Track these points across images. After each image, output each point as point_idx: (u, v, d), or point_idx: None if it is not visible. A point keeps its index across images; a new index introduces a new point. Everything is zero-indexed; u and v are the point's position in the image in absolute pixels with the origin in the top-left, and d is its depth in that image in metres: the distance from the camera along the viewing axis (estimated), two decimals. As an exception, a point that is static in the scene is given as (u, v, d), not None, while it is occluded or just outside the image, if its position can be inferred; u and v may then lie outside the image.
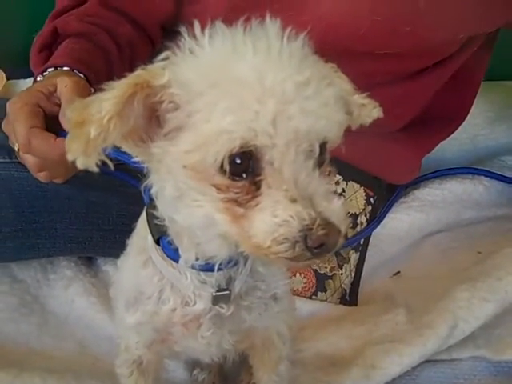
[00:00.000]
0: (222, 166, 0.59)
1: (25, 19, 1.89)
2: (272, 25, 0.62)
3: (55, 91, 1.06)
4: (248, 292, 0.79)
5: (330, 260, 1.32)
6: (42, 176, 1.10)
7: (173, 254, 0.74)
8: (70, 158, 0.61)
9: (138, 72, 0.61)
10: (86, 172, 1.16)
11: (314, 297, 1.31)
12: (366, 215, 1.39)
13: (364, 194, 1.39)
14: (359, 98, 0.70)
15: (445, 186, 1.53)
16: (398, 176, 1.48)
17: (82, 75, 1.12)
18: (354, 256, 1.36)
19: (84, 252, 1.32)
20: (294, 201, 0.59)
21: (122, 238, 1.07)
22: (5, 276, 1.30)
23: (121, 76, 0.63)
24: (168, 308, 0.78)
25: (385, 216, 1.44)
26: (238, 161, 0.59)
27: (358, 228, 1.38)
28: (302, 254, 0.59)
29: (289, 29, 0.62)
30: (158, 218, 0.72)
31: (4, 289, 1.28)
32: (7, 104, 1.05)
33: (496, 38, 1.42)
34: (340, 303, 1.33)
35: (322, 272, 1.31)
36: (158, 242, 0.75)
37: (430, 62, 1.28)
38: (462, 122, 1.51)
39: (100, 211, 1.26)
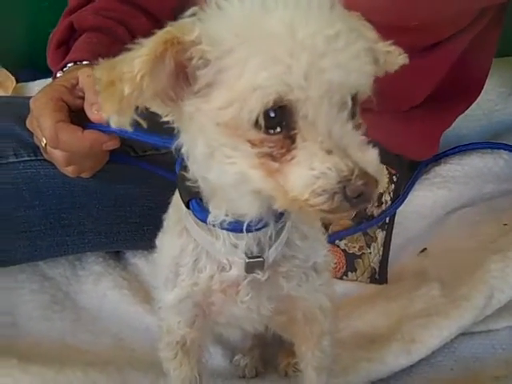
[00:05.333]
0: (256, 121, 0.59)
1: (31, 23, 1.90)
2: None
3: (77, 84, 1.06)
4: (285, 259, 0.79)
5: (358, 239, 1.33)
6: (69, 170, 1.10)
7: (202, 215, 0.74)
8: (104, 116, 0.61)
9: (168, 28, 0.61)
10: (112, 165, 1.17)
11: (344, 277, 1.32)
12: (389, 193, 1.40)
13: (386, 172, 1.39)
14: (384, 46, 0.70)
15: (465, 162, 1.53)
16: (418, 152, 1.48)
17: None
18: (380, 235, 1.37)
19: (113, 246, 1.33)
20: (330, 152, 0.59)
21: (151, 230, 1.07)
22: (35, 274, 1.31)
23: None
24: (206, 276, 0.78)
25: (408, 194, 1.45)
26: (272, 114, 0.59)
27: (383, 206, 1.38)
28: (341, 204, 0.59)
29: None
30: (189, 179, 0.72)
31: (35, 287, 1.28)
32: (31, 101, 1.05)
33: (505, 12, 1.42)
34: (370, 282, 1.33)
35: (351, 252, 1.32)
36: (187, 205, 0.75)
37: (445, 34, 1.28)
38: (477, 97, 1.51)
39: (127, 204, 1.27)
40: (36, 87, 1.77)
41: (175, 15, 1.32)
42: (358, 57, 0.60)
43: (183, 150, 0.69)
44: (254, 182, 0.62)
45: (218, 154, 0.63)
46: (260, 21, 0.59)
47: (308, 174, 0.59)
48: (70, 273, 1.33)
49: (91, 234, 1.25)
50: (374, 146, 0.62)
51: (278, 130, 0.60)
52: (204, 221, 0.74)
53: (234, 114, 0.59)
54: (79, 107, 1.04)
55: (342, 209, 0.60)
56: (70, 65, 1.14)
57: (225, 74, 0.60)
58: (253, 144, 0.60)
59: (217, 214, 0.72)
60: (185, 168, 0.72)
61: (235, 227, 0.73)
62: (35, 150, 1.16)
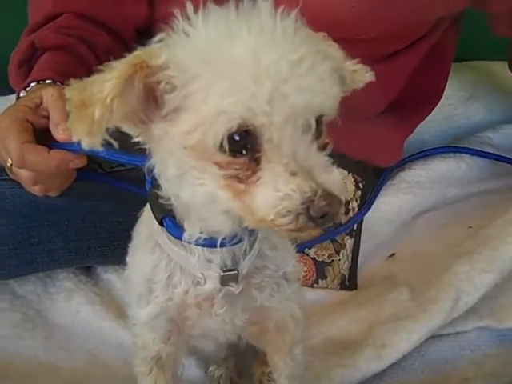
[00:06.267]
0: (221, 144, 0.60)
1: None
2: (264, 3, 0.63)
3: (41, 103, 1.06)
4: (257, 271, 0.80)
5: (327, 247, 1.35)
6: (36, 189, 1.10)
7: (176, 232, 0.75)
8: (75, 139, 0.62)
9: (137, 52, 0.63)
10: (79, 182, 1.17)
11: (315, 285, 1.33)
12: (356, 200, 1.42)
13: (352, 179, 1.42)
14: (351, 64, 0.72)
15: (429, 166, 1.56)
16: (382, 159, 1.50)
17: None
18: (349, 241, 1.39)
19: (83, 262, 1.32)
20: (294, 174, 0.61)
21: (121, 245, 1.07)
22: (5, 293, 1.29)
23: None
24: (180, 291, 0.79)
25: (374, 200, 1.47)
26: (237, 138, 0.61)
27: (351, 213, 1.40)
28: (305, 224, 0.61)
29: (281, 6, 0.63)
30: (162, 197, 0.73)
31: (5, 306, 1.27)
32: None
33: (461, 19, 1.45)
34: (341, 289, 1.35)
35: (320, 260, 1.34)
36: (161, 222, 0.76)
37: (403, 44, 1.31)
38: (438, 102, 1.54)
39: (96, 220, 1.26)
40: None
41: (139, 34, 1.34)
42: (322, 80, 0.62)
43: (155, 170, 0.71)
44: (223, 203, 0.64)
45: (188, 176, 0.65)
46: (225, 47, 0.60)
47: (273, 195, 0.61)
48: (41, 290, 1.31)
49: (61, 251, 1.24)
50: (338, 166, 0.63)
51: (244, 152, 0.62)
52: (179, 238, 0.75)
53: (200, 138, 0.61)
54: (44, 127, 1.04)
55: (307, 228, 0.62)
56: (32, 84, 1.13)
57: (191, 99, 0.61)
58: (220, 166, 0.62)
59: (192, 231, 0.73)
60: (157, 186, 0.73)
61: (210, 243, 0.74)
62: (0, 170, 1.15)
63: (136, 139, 0.67)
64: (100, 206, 1.27)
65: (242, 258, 0.77)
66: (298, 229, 0.62)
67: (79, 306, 1.28)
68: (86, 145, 0.62)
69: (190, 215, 0.72)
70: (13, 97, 1.24)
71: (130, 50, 1.35)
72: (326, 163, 0.63)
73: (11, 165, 1.04)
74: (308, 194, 0.60)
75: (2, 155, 1.05)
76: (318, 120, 0.64)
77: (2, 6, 1.76)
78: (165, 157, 0.67)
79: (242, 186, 0.62)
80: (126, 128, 0.66)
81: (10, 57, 1.26)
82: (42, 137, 1.03)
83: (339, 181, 0.63)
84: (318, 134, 0.64)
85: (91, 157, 1.06)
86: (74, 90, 0.63)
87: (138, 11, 1.33)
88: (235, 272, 0.77)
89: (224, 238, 0.74)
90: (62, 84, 1.11)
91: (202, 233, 0.73)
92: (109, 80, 0.60)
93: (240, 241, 0.75)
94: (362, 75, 0.73)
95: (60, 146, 1.01)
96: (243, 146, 0.61)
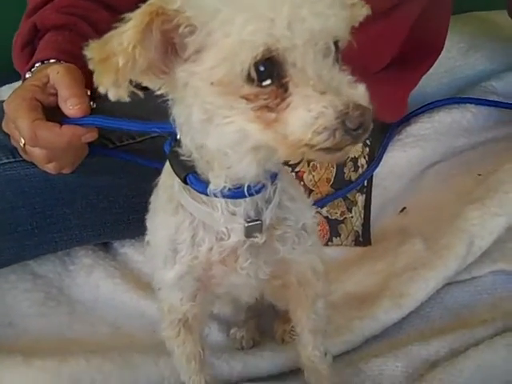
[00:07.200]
0: (248, 74, 0.62)
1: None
2: None
3: (48, 82, 1.07)
4: (279, 222, 0.81)
5: (338, 205, 1.36)
6: (50, 167, 1.11)
7: (201, 187, 0.76)
8: (101, 90, 0.63)
9: (150, 1, 0.63)
10: (91, 158, 1.18)
11: (329, 243, 1.34)
12: (364, 157, 1.42)
13: (359, 136, 1.42)
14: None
15: (434, 119, 1.57)
16: (388, 115, 1.50)
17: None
18: (360, 198, 1.39)
19: (100, 238, 1.34)
20: (323, 93, 0.61)
21: (136, 219, 1.08)
22: (26, 274, 1.30)
23: None
24: (205, 248, 0.79)
25: (383, 155, 1.47)
26: (262, 68, 0.62)
27: (360, 170, 1.41)
28: (343, 139, 0.62)
29: None
30: (183, 154, 0.75)
31: (27, 286, 1.28)
32: (4, 104, 1.06)
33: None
34: (355, 245, 1.36)
35: (333, 218, 1.35)
36: (185, 180, 0.77)
37: None
38: (439, 54, 1.54)
39: (110, 195, 1.28)
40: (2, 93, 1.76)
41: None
42: (331, 5, 0.63)
43: (178, 122, 0.72)
44: (254, 136, 0.65)
45: (215, 117, 0.66)
46: None
47: (306, 115, 0.62)
48: (60, 269, 1.33)
49: (78, 228, 1.26)
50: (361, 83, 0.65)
51: (269, 82, 0.63)
52: (204, 192, 0.76)
53: (227, 71, 0.62)
54: (53, 104, 1.05)
55: (345, 143, 0.63)
56: (37, 64, 1.14)
57: (213, 35, 0.62)
58: (248, 99, 0.63)
59: (217, 182, 0.74)
60: (178, 144, 0.75)
61: (235, 194, 0.75)
62: (13, 151, 1.16)
63: (158, 92, 0.68)
64: (113, 180, 1.28)
65: (265, 208, 0.78)
66: (335, 145, 0.62)
67: (99, 280, 1.29)
68: (112, 96, 0.64)
69: (214, 166, 0.73)
70: (17, 84, 1.24)
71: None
72: (349, 81, 0.64)
73: (24, 144, 1.06)
74: (340, 108, 0.61)
75: (15, 135, 1.07)
76: (336, 45, 0.65)
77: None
78: (190, 103, 0.67)
79: (273, 115, 0.63)
80: (148, 81, 0.66)
81: (12, 42, 1.27)
82: (52, 114, 1.04)
83: (365, 94, 0.64)
84: (336, 59, 0.66)
85: (102, 131, 1.08)
86: (94, 49, 0.64)
87: None
88: (259, 222, 0.78)
89: (248, 186, 0.75)
90: (66, 62, 1.13)
91: (226, 182, 0.74)
92: (127, 30, 0.62)
93: (263, 188, 0.76)
94: (359, 9, 0.75)
95: (70, 122, 1.03)
96: (269, 74, 0.62)
